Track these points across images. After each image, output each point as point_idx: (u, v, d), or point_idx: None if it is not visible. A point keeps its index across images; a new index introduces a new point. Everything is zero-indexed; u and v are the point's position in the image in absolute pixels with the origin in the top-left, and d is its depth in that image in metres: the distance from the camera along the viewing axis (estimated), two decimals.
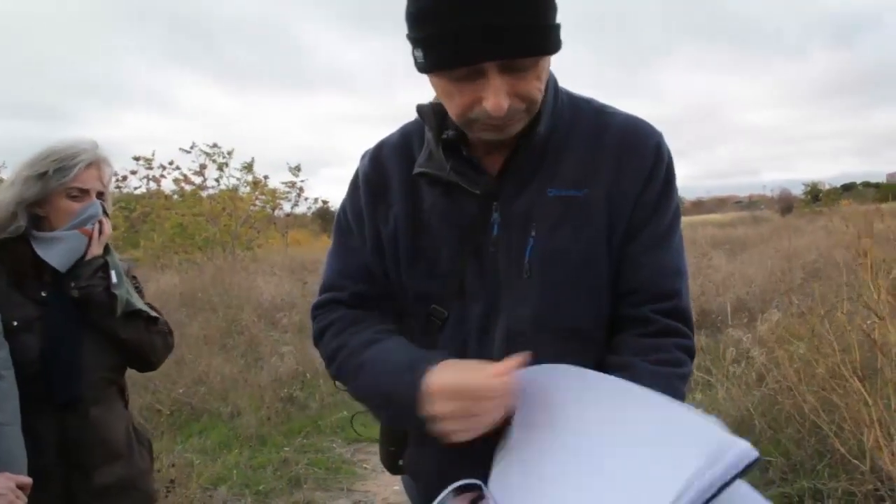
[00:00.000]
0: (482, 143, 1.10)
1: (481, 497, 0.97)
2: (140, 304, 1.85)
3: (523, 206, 1.10)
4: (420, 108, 1.16)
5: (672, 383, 1.05)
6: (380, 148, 1.25)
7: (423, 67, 1.00)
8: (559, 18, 1.01)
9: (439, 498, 0.96)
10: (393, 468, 1.27)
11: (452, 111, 1.04)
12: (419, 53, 0.99)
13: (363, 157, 1.25)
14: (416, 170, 1.15)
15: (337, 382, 1.24)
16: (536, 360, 1.07)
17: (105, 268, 1.80)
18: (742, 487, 0.79)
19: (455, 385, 0.97)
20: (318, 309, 1.27)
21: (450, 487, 0.97)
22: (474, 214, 1.12)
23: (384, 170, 1.21)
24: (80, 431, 1.74)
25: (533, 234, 1.09)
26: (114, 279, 1.77)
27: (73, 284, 1.74)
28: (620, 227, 1.10)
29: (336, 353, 1.19)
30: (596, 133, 1.13)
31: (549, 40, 0.97)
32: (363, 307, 1.22)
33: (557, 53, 1.04)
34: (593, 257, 1.09)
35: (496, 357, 1.07)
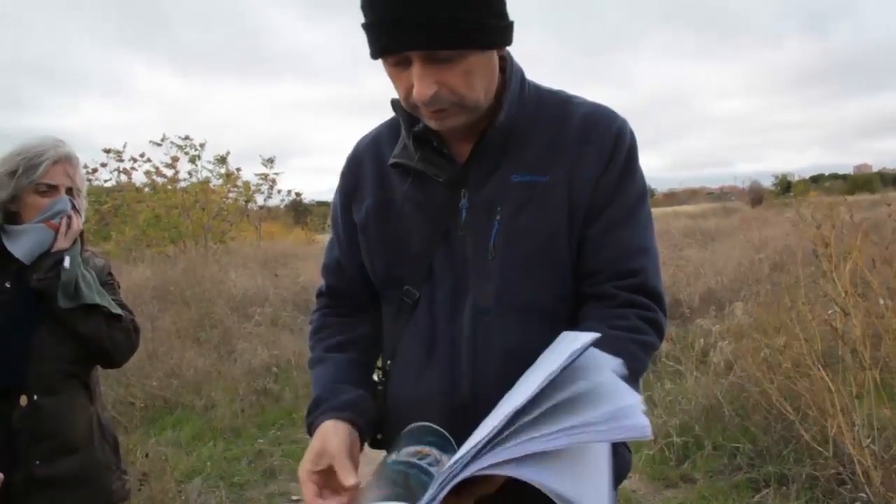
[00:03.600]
0: (451, 133, 1.15)
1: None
2: (101, 299, 1.85)
3: (489, 192, 1.15)
4: (394, 102, 1.21)
5: (625, 346, 1.06)
6: (356, 147, 1.33)
7: (371, 54, 1.07)
8: (513, 16, 1.07)
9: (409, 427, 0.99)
10: (372, 442, 1.31)
11: (399, 98, 1.11)
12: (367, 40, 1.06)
13: (346, 158, 1.34)
14: (391, 160, 1.21)
15: None
16: (501, 336, 1.13)
17: None
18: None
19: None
20: (316, 297, 1.42)
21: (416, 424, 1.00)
22: (443, 201, 1.18)
23: (359, 166, 1.29)
24: (26, 421, 1.74)
25: (498, 218, 1.14)
26: (66, 265, 1.78)
27: (34, 276, 1.77)
28: (581, 210, 1.13)
29: (310, 350, 1.34)
30: (560, 121, 1.17)
31: (473, 36, 1.01)
32: (334, 299, 1.37)
33: (508, 47, 1.13)
34: (554, 239, 1.13)
35: (464, 335, 1.14)
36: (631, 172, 1.17)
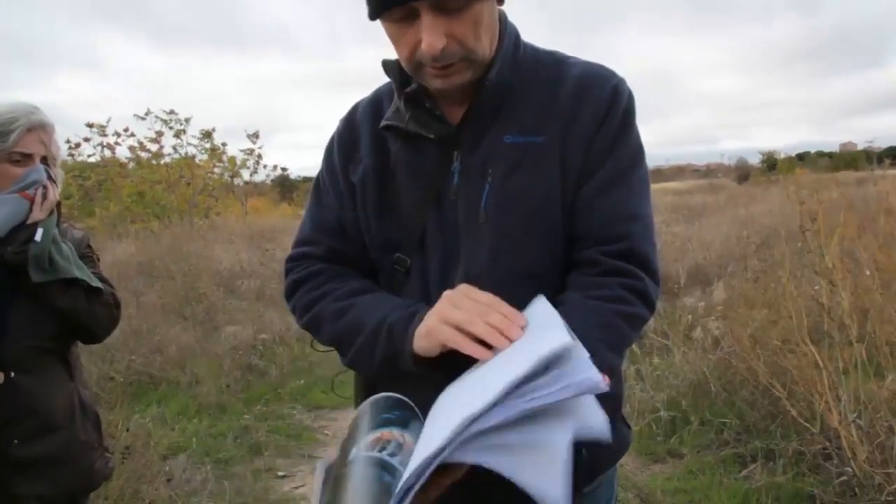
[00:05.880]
0: (444, 94, 1.12)
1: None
2: (80, 272, 1.78)
3: (482, 154, 1.12)
4: (385, 63, 1.19)
5: (606, 317, 1.02)
6: (354, 109, 1.29)
7: (369, 14, 1.04)
8: None
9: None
10: None
11: (401, 58, 1.08)
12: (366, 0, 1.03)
13: (340, 120, 1.30)
14: (383, 123, 1.18)
15: (317, 343, 1.25)
16: None
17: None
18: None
19: (461, 287, 1.00)
20: (291, 262, 1.28)
21: (373, 397, 0.95)
22: (435, 163, 1.14)
23: (356, 128, 1.25)
24: (3, 400, 1.67)
25: (489, 180, 1.10)
26: (38, 237, 1.71)
27: (8, 249, 1.69)
28: (574, 172, 1.10)
29: (316, 301, 1.19)
30: (555, 81, 1.14)
31: None
32: (338, 262, 1.24)
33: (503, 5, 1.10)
34: (547, 202, 1.09)
35: None
36: (626, 132, 1.13)
